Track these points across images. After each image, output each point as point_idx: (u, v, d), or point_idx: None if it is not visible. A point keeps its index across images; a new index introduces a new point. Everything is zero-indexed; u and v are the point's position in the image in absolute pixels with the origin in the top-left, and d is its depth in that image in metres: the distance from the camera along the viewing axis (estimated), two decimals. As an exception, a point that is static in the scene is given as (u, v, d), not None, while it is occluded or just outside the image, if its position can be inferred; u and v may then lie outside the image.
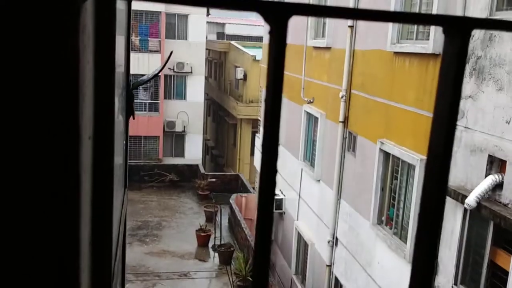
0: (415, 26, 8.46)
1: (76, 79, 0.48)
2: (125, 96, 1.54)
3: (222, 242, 17.66)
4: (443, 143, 0.53)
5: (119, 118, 1.50)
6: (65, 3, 0.46)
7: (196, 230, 18.27)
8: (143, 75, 27.37)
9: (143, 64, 25.07)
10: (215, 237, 17.93)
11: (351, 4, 10.39)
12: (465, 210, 6.68)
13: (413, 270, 0.55)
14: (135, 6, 24.78)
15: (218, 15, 40.13)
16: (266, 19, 0.52)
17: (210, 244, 18.08)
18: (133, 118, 1.73)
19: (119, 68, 1.52)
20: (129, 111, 1.65)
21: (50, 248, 0.53)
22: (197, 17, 26.81)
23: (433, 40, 7.55)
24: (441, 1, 7.41)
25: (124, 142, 1.67)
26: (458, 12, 6.95)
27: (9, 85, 0.48)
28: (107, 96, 0.73)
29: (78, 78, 0.49)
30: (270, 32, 0.51)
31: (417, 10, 8.37)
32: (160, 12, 25.75)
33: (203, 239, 18.04)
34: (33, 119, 0.47)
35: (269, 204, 0.53)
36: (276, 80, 0.51)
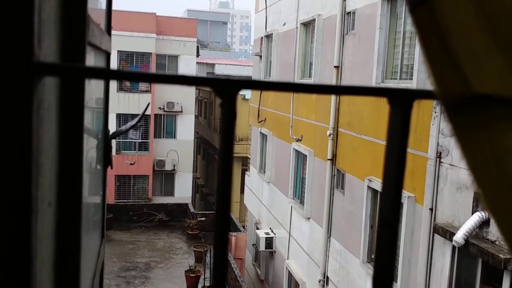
0: (399, 65, 8.65)
1: (28, 150, 0.50)
2: (102, 147, 1.56)
3: (212, 283, 17.35)
4: (391, 210, 0.55)
5: (96, 169, 1.51)
6: (18, 81, 0.48)
7: (186, 271, 17.96)
8: (133, 114, 27.21)
9: (134, 104, 25.22)
10: (204, 278, 17.63)
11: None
12: (454, 247, 6.67)
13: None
14: (126, 47, 25.12)
15: (208, 55, 40.71)
16: (217, 93, 0.55)
17: (200, 285, 17.74)
18: (111, 168, 1.74)
19: (97, 121, 1.54)
20: (107, 162, 1.66)
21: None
22: (187, 57, 27.18)
23: (417, 79, 7.71)
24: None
25: (102, 192, 1.68)
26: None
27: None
28: (74, 160, 0.74)
29: (31, 149, 0.50)
30: (221, 105, 0.54)
31: (400, 52, 8.57)
32: (151, 53, 26.10)
33: (192, 280, 17.72)
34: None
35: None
36: (227, 147, 0.54)
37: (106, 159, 1.61)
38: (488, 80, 0.51)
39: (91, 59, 1.18)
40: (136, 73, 0.51)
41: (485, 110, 0.52)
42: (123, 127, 3.03)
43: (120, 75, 0.50)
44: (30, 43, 0.48)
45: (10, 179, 0.48)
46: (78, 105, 0.76)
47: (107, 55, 1.63)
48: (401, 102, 0.55)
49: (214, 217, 0.55)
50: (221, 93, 0.53)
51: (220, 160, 0.53)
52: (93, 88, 1.39)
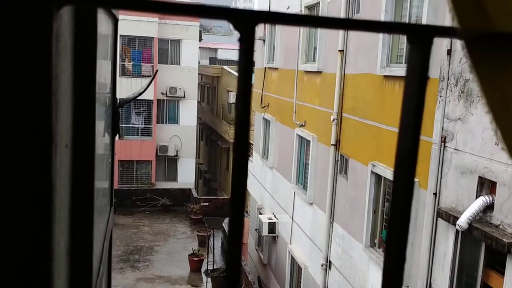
0: (404, 50, 8.58)
1: (47, 84, 0.50)
2: (111, 114, 1.56)
3: (215, 267, 17.48)
4: (409, 149, 0.55)
5: (105, 135, 1.51)
6: (37, 11, 0.48)
7: (189, 255, 18.09)
8: (136, 99, 27.18)
9: (136, 89, 25.15)
10: (207, 262, 17.75)
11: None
12: (457, 231, 6.68)
13: (384, 273, 0.55)
14: (128, 31, 25.00)
15: (211, 40, 40.48)
16: (235, 26, 0.54)
17: (203, 269, 17.88)
18: (119, 138, 1.74)
19: (105, 87, 1.53)
20: (115, 130, 1.66)
21: (20, 260, 0.53)
22: (189, 42, 27.07)
23: (422, 63, 7.64)
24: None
25: (110, 160, 1.68)
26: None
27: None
28: (87, 105, 0.74)
29: (51, 83, 0.50)
30: (239, 39, 0.54)
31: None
32: (153, 37, 25.98)
33: (195, 264, 17.86)
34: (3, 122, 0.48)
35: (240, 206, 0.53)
36: (246, 83, 0.53)
37: (114, 127, 1.61)
38: (510, 18, 0.50)
39: (103, 22, 1.17)
40: (152, 2, 0.50)
41: (506, 47, 0.52)
42: (131, 95, 3.03)
43: (135, 4, 0.50)
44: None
45: (31, 107, 0.48)
46: (92, 40, 0.75)
47: (115, 21, 1.62)
48: (420, 39, 0.55)
49: (231, 182, 0.54)
50: (239, 26, 0.53)
51: (238, 97, 0.53)
52: (102, 69, 1.39)
